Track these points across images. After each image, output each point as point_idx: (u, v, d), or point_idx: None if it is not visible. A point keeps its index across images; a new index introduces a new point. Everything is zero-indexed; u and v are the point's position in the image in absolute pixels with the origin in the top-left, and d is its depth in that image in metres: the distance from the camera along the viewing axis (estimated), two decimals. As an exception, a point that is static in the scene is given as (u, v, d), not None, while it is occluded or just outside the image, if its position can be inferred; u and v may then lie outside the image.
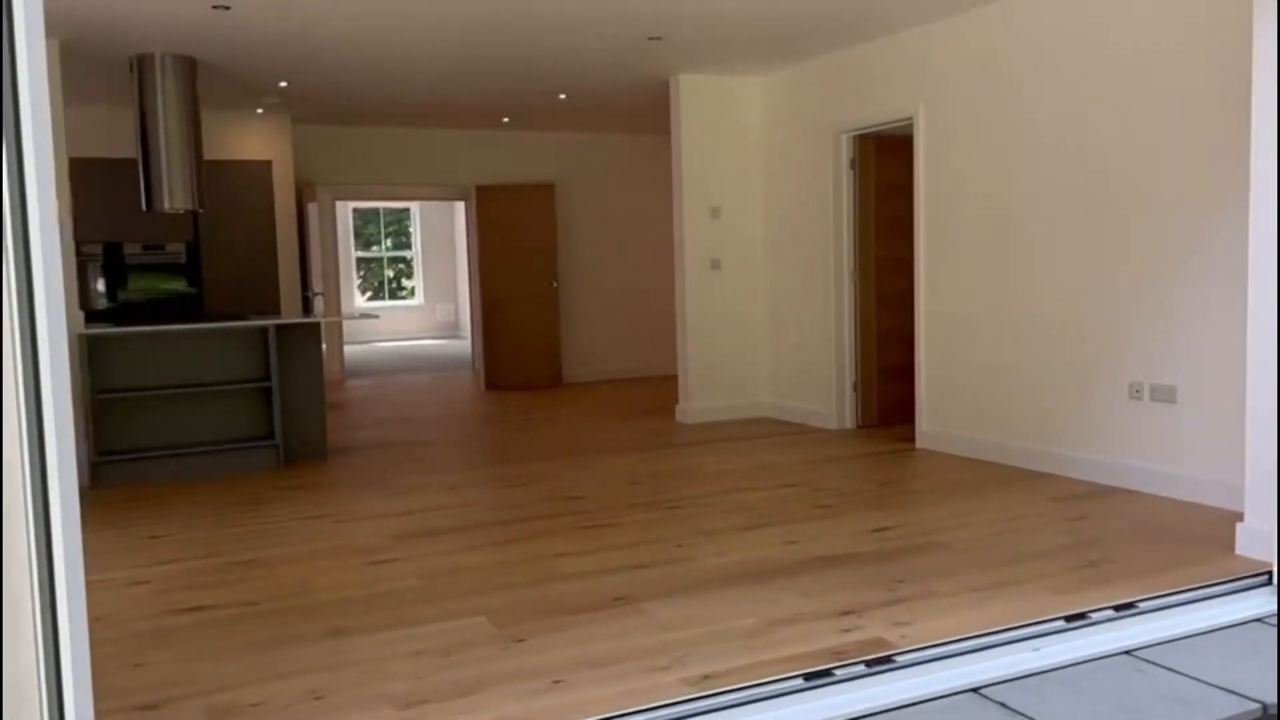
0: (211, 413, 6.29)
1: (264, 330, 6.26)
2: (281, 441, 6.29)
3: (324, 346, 9.07)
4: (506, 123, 9.55)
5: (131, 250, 8.30)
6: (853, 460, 6.00)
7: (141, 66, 6.21)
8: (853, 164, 7.01)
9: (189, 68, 6.33)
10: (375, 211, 18.77)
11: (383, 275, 19.15)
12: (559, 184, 10.42)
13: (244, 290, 8.67)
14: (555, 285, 10.12)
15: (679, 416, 7.74)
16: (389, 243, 19.20)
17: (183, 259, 8.46)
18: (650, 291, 10.81)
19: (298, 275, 8.89)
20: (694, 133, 7.51)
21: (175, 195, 6.29)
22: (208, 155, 8.51)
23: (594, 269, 10.61)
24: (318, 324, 6.61)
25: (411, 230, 18.96)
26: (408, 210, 18.82)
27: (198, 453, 6.10)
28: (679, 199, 7.58)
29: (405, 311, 18.66)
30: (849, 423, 7.17)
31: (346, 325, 17.90)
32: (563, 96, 8.18)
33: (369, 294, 19.05)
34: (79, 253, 8.09)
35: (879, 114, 6.56)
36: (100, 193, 8.13)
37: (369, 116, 8.98)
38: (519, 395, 9.63)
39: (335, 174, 9.60)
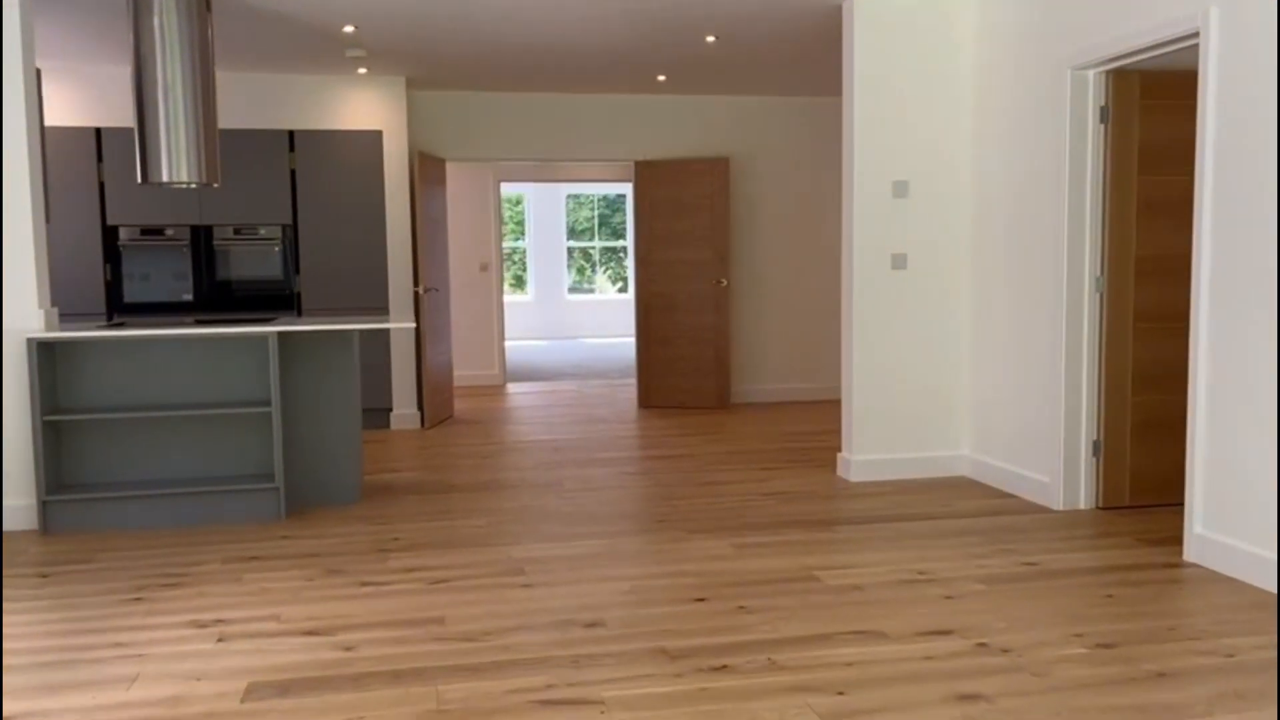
0: (202, 443, 4.96)
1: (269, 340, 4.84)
2: (283, 485, 4.85)
3: (449, 349, 7.65)
4: (663, 82, 7.74)
5: (223, 235, 7.24)
6: (1068, 579, 3.75)
7: (138, 3, 4.94)
8: (1102, 115, 4.66)
9: (199, 4, 5.01)
10: (589, 197, 17.53)
11: (594, 265, 17.91)
12: (734, 159, 8.51)
13: (346, 282, 7.42)
14: (725, 284, 8.23)
15: (839, 469, 5.66)
16: (604, 230, 17.91)
17: (278, 245, 7.31)
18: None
19: (410, 266, 7.54)
20: (872, 77, 5.39)
21: (177, 165, 4.99)
22: (305, 124, 7.32)
23: (774, 264, 8.62)
24: (351, 334, 5.13)
25: (624, 217, 17.57)
26: (622, 197, 17.44)
27: (178, 494, 4.77)
28: (850, 171, 5.49)
29: (617, 306, 17.23)
30: (1083, 500, 4.84)
31: (558, 320, 16.74)
32: (711, 39, 6.28)
33: (619, 285, 17.83)
34: (165, 238, 7.13)
35: (1142, 31, 4.20)
36: (187, 169, 7.12)
37: (497, 79, 7.47)
38: (670, 418, 7.83)
39: (464, 148, 8.18)
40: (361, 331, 7.41)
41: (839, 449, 6.40)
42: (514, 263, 17.22)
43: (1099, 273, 4.73)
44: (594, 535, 4.46)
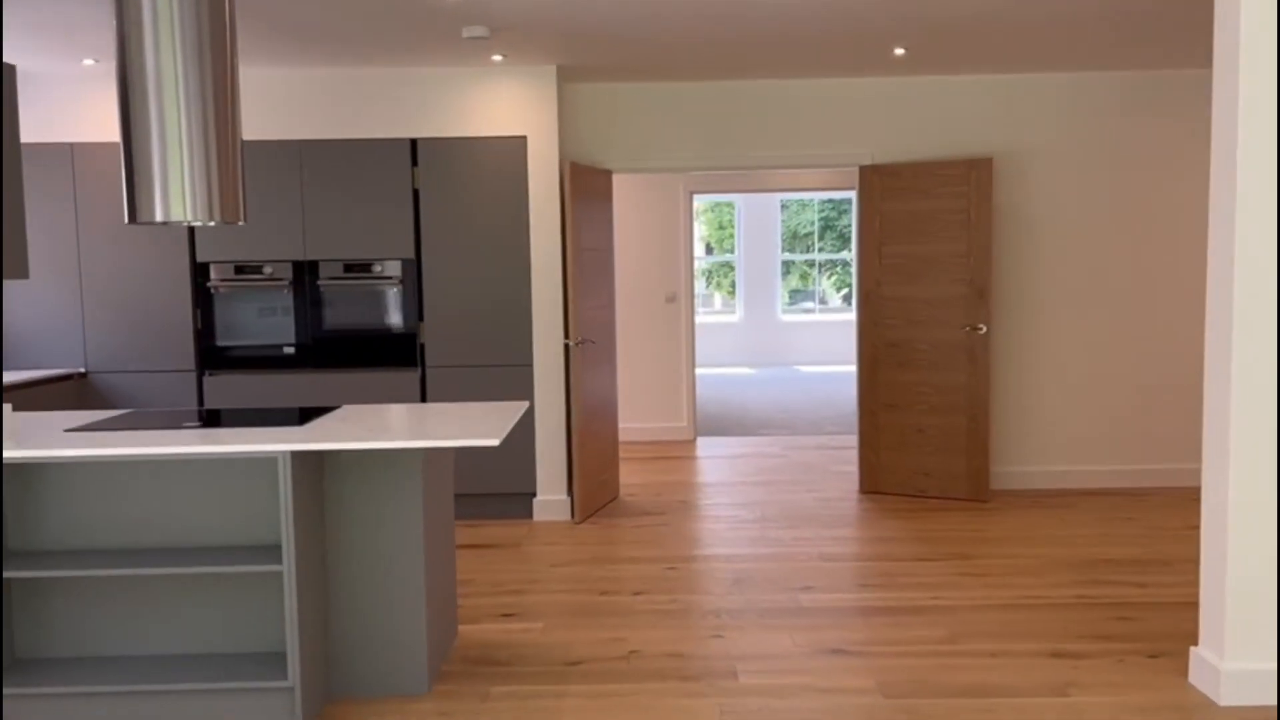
0: (205, 606, 3.37)
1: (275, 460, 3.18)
2: (299, 683, 3.18)
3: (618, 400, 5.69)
4: (901, 58, 5.64)
5: (331, 273, 5.78)
6: None
7: (123, -34, 3.41)
8: None
9: (208, -38, 3.42)
10: (809, 200, 15.42)
11: (817, 269, 15.80)
12: (1000, 160, 6.27)
13: (481, 329, 5.79)
14: (984, 330, 6.01)
15: (1194, 674, 3.43)
16: (829, 235, 15.77)
17: (397, 284, 5.77)
18: (1174, 347, 6.29)
19: (560, 308, 5.81)
20: (1266, 28, 3.15)
21: (172, 198, 3.42)
22: (431, 130, 5.73)
23: (1057, 304, 6.31)
24: (417, 453, 3.40)
25: (851, 220, 15.34)
26: (848, 200, 15.21)
27: (160, 692, 3.20)
28: (1223, 170, 3.27)
29: (839, 328, 14.97)
30: None
31: (770, 345, 14.68)
32: (977, -16, 4.17)
33: (844, 292, 15.76)
34: (263, 276, 5.76)
35: None
36: (285, 195, 5.71)
37: (675, 63, 5.62)
38: (904, 519, 5.73)
39: (636, 155, 6.37)
40: (495, 389, 5.75)
41: (1182, 618, 4.12)
42: (730, 268, 15.42)
43: None
44: None
